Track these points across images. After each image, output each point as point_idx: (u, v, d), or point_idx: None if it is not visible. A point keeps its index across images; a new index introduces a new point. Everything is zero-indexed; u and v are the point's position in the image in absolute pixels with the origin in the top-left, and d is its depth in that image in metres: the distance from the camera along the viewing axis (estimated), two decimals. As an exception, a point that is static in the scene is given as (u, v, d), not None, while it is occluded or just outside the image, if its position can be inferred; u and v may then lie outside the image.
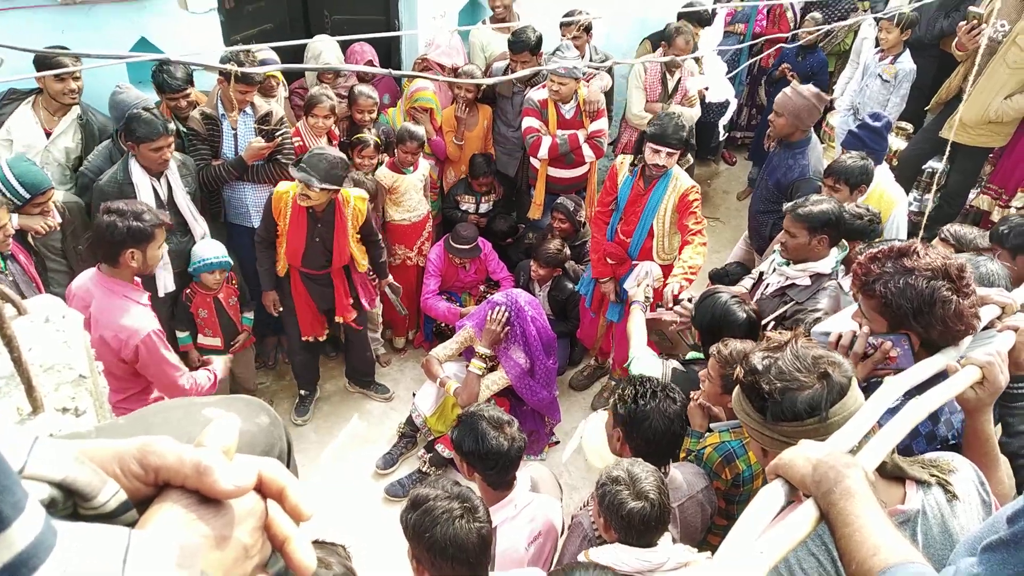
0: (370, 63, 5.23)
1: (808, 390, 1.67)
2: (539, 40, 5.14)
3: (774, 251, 3.82)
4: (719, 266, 5.12)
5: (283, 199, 4.19)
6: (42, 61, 3.84)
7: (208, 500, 0.64)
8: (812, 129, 4.69)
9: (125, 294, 3.21)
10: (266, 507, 0.69)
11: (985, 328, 2.04)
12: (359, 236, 4.45)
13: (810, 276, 3.50)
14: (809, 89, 4.61)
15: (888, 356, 2.14)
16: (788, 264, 3.59)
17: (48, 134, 4.17)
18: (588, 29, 5.58)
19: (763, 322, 3.44)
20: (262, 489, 0.69)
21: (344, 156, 4.13)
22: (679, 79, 5.73)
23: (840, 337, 2.24)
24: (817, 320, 3.04)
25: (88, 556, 0.54)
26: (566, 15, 5.41)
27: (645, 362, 3.33)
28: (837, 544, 1.28)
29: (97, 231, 3.11)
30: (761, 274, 3.87)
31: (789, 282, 3.57)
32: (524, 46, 5.11)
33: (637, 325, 3.63)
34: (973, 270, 2.49)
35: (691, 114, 5.77)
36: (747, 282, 3.98)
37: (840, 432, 1.44)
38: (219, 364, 3.82)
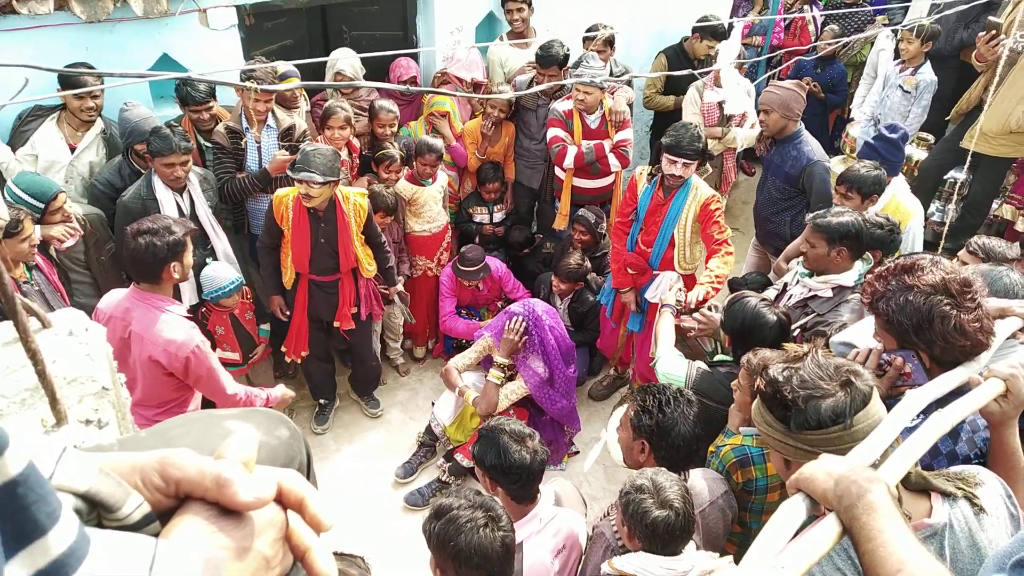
0: (413, 80, 5.29)
1: (831, 398, 1.66)
2: (567, 56, 5.19)
3: (797, 262, 3.80)
4: (738, 276, 5.11)
5: (283, 203, 4.19)
6: (65, 78, 3.92)
7: (229, 512, 0.64)
8: (800, 120, 4.74)
9: (167, 308, 3.25)
10: (286, 518, 0.69)
11: (1010, 338, 2.03)
12: (363, 237, 4.44)
13: (832, 288, 3.48)
14: (788, 81, 4.72)
15: (903, 372, 2.15)
16: (811, 276, 3.57)
17: (72, 149, 4.25)
18: (611, 43, 5.59)
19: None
20: (282, 500, 0.69)
21: (335, 149, 4.13)
22: None
23: (857, 355, 2.26)
24: (842, 326, 3.05)
25: (115, 565, 0.55)
26: (589, 29, 5.42)
27: (670, 362, 3.32)
28: (860, 560, 1.26)
29: (135, 254, 3.13)
30: (785, 285, 3.86)
31: (811, 294, 3.56)
32: (552, 60, 5.14)
33: (665, 327, 3.62)
34: (991, 282, 2.48)
35: (752, 135, 5.74)
36: (770, 293, 3.97)
37: (862, 445, 1.43)
38: (278, 391, 3.74)
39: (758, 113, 4.93)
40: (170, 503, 0.65)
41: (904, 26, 5.92)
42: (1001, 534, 1.62)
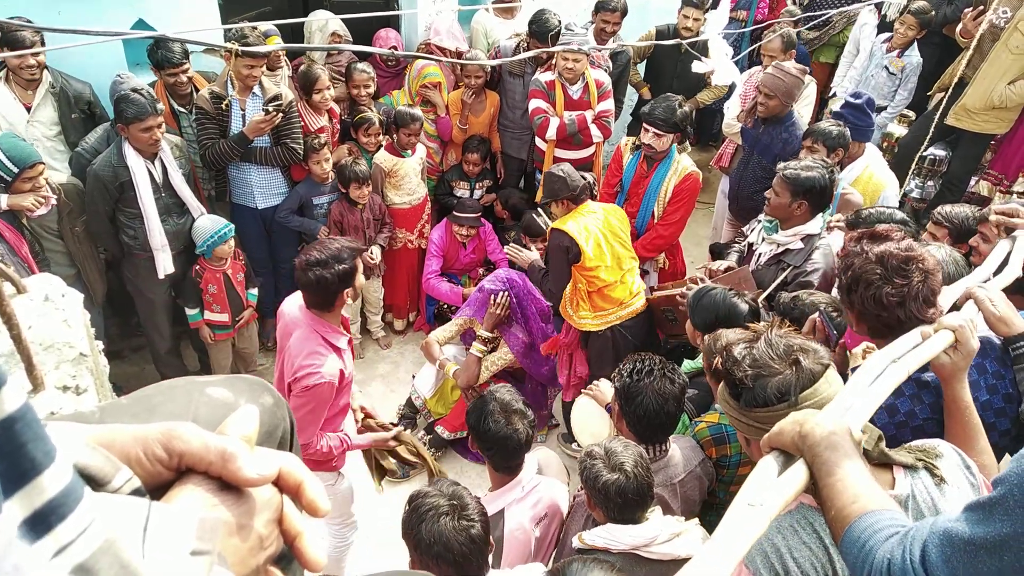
0: (394, 48, 5.22)
1: (778, 376, 1.73)
2: (559, 31, 5.16)
3: (758, 219, 3.86)
4: (719, 241, 5.16)
5: None
6: (5, 38, 3.76)
7: (229, 488, 0.65)
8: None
9: (326, 336, 3.07)
10: (282, 501, 0.69)
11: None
12: None
13: (801, 239, 3.58)
14: (793, 65, 4.71)
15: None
16: (776, 231, 3.66)
17: (28, 109, 4.13)
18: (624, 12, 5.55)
19: (765, 293, 3.51)
20: (280, 483, 0.69)
21: None
22: None
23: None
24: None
25: (111, 521, 0.54)
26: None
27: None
28: (820, 493, 1.33)
29: (304, 286, 3.01)
30: (750, 245, 3.93)
31: (782, 249, 3.65)
32: (547, 35, 5.08)
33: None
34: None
35: (733, 124, 5.66)
36: (732, 256, 4.07)
37: (830, 406, 1.51)
38: (364, 438, 3.39)
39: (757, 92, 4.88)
40: (168, 477, 0.64)
41: (889, 0, 5.91)
42: (963, 503, 1.66)
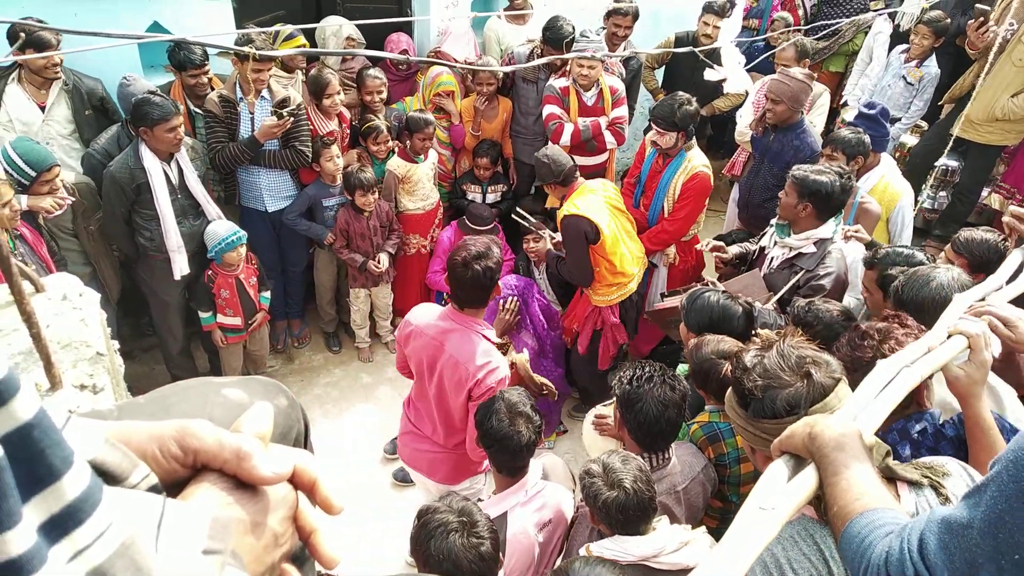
0: (405, 52, 5.24)
1: (789, 389, 1.70)
2: (573, 38, 5.17)
3: (771, 224, 3.87)
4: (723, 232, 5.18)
5: None
6: (27, 37, 3.78)
7: (243, 486, 0.65)
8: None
9: (483, 332, 3.09)
10: (297, 498, 0.70)
11: None
12: None
13: (814, 243, 3.58)
14: (799, 71, 4.68)
15: None
16: (787, 234, 3.66)
17: (42, 108, 4.16)
18: (636, 17, 5.56)
19: (776, 296, 3.51)
20: (294, 480, 0.70)
21: None
22: None
23: None
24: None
25: (126, 519, 0.55)
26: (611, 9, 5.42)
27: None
28: (825, 492, 1.33)
29: (474, 281, 2.98)
30: (762, 249, 3.93)
31: (795, 252, 3.65)
32: (561, 42, 5.10)
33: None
34: (921, 285, 2.53)
35: (744, 132, 5.68)
36: (734, 249, 4.11)
37: (841, 410, 1.49)
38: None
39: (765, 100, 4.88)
40: (183, 474, 0.65)
41: (902, 10, 5.90)
42: None
